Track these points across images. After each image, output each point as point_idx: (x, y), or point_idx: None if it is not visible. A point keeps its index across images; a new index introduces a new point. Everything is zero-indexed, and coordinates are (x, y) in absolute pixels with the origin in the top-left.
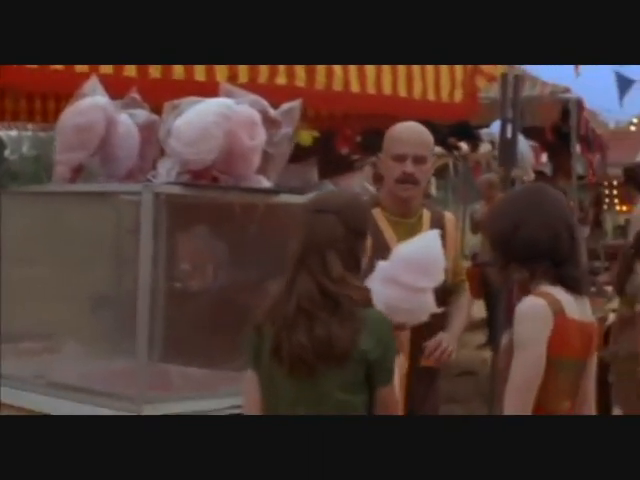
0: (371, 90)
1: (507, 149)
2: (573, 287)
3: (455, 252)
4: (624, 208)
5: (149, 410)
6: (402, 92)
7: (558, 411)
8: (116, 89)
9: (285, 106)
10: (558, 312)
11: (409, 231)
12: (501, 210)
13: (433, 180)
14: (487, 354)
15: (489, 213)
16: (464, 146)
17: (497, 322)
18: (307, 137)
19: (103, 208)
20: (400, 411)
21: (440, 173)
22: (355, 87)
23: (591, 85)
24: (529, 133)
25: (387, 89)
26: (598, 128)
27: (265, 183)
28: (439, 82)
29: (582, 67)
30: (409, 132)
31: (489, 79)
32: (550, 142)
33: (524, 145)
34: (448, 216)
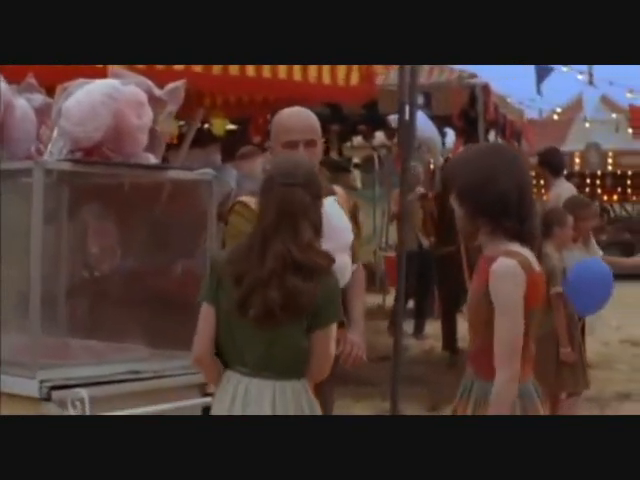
0: (267, 74)
1: (405, 132)
2: (530, 242)
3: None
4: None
5: (42, 375)
6: (297, 76)
7: (529, 356)
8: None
9: (170, 86)
10: (528, 269)
11: None
12: (470, 164)
13: (358, 174)
14: (409, 341)
15: (451, 167)
16: (380, 136)
17: (424, 310)
18: (220, 126)
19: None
20: (332, 356)
21: (365, 166)
22: (251, 72)
23: (515, 75)
24: (444, 121)
25: (282, 73)
26: (511, 114)
27: (153, 160)
28: (335, 66)
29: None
30: (296, 119)
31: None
32: (463, 129)
33: (431, 130)
34: (339, 191)
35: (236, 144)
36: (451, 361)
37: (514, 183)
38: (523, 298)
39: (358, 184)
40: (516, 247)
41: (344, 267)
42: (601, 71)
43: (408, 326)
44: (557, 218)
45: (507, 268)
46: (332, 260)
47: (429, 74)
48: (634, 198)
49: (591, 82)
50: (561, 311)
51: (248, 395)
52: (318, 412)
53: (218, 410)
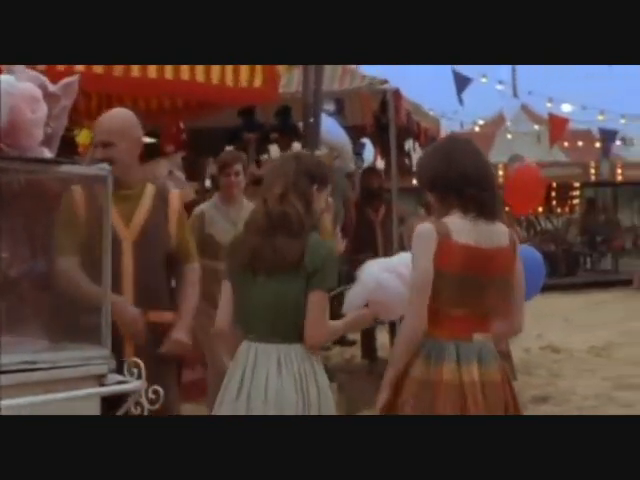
0: (169, 75)
1: (309, 134)
2: (485, 213)
3: (180, 228)
4: None
5: None
6: (200, 78)
7: (451, 315)
8: None
9: (63, 81)
10: (443, 234)
11: (128, 200)
12: (430, 157)
13: None
14: (332, 350)
15: (418, 168)
16: (297, 146)
17: None
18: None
19: None
20: (326, 318)
21: None
22: (153, 73)
23: (434, 87)
24: (360, 131)
25: (185, 75)
26: (425, 122)
27: (47, 154)
28: (238, 67)
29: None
30: (100, 120)
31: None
32: (378, 137)
33: (341, 136)
34: (173, 191)
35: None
36: (370, 369)
37: (470, 161)
38: (432, 257)
39: None
40: (452, 218)
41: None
42: (520, 80)
43: None
44: None
45: (420, 229)
46: (301, 216)
47: (340, 81)
48: (559, 210)
49: (515, 94)
50: None
51: (257, 359)
52: (323, 374)
53: (231, 378)
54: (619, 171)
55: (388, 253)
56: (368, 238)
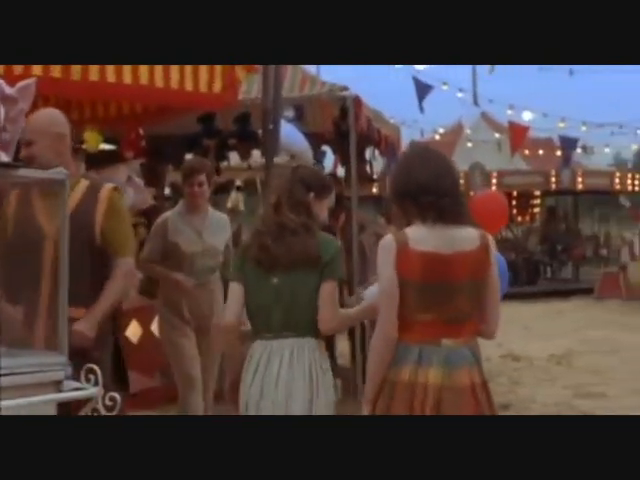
0: (127, 80)
1: (269, 141)
2: (445, 219)
3: (108, 220)
4: None
5: None
6: (159, 82)
7: (418, 321)
8: None
9: (20, 83)
10: (401, 243)
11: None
12: (396, 169)
13: (240, 196)
14: None
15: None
16: (257, 153)
17: None
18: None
19: None
20: (336, 306)
21: (248, 188)
22: (111, 77)
23: (398, 95)
24: (320, 138)
25: (144, 79)
26: (386, 129)
27: (4, 158)
28: (197, 72)
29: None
30: (27, 120)
31: (249, 70)
32: (338, 144)
33: (302, 142)
34: (107, 187)
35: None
36: None
37: (429, 169)
38: (394, 266)
39: (241, 206)
40: (412, 228)
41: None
42: (481, 88)
43: None
44: None
45: (382, 241)
46: (300, 220)
47: (300, 87)
48: (519, 219)
49: (476, 102)
50: None
51: (271, 353)
52: (328, 367)
53: (247, 377)
54: (580, 179)
55: (348, 261)
56: None
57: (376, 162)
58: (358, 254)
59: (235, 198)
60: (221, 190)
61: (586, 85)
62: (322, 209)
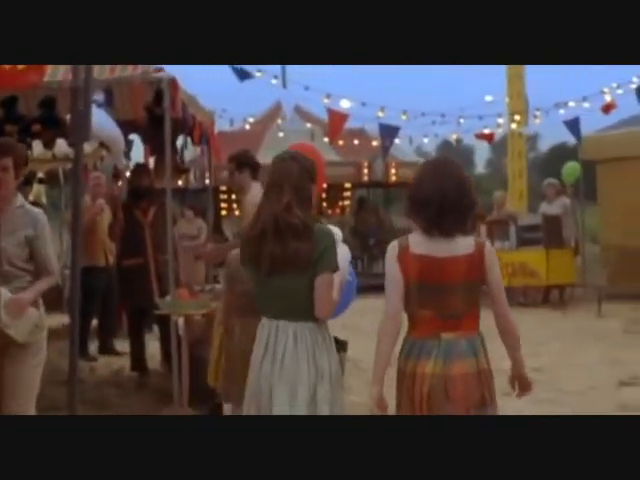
0: None
1: (78, 124)
2: (442, 232)
3: None
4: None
5: None
6: None
7: (420, 317)
8: None
9: None
10: (403, 247)
11: None
12: (415, 175)
13: (42, 189)
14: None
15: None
16: (62, 144)
17: (108, 329)
18: None
19: None
20: (331, 296)
21: (50, 181)
22: None
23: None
24: (130, 126)
25: None
26: (201, 116)
27: None
28: None
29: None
30: None
31: None
32: (149, 132)
33: (113, 128)
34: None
35: None
36: (141, 381)
37: (436, 186)
38: (398, 267)
39: (43, 199)
40: (415, 235)
41: None
42: (296, 75)
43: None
44: None
45: (390, 245)
46: (306, 221)
47: (111, 68)
48: (330, 212)
49: (284, 85)
50: None
51: (278, 334)
52: (332, 346)
53: (257, 352)
54: (393, 171)
55: (158, 256)
56: (136, 241)
57: (187, 152)
58: (172, 249)
59: (37, 191)
60: (22, 182)
61: (407, 74)
62: (314, 196)
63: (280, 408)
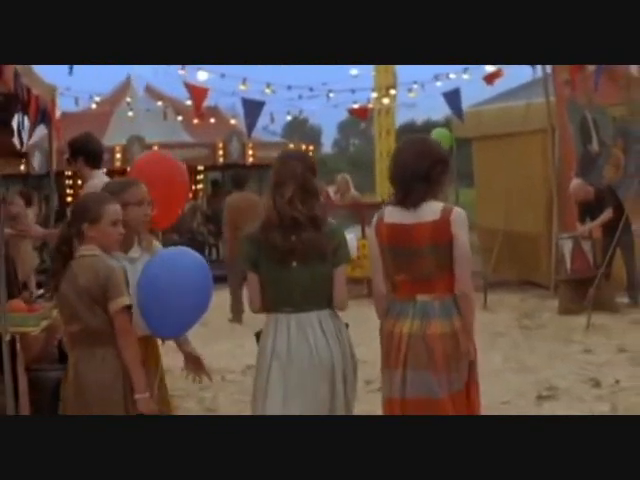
0: None
1: None
2: (407, 204)
3: None
4: None
5: None
6: None
7: (397, 280)
8: None
9: None
10: (379, 217)
11: None
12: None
13: None
14: None
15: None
16: None
17: None
18: None
19: None
20: (344, 294)
21: None
22: None
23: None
24: None
25: None
26: (37, 88)
27: None
28: None
29: None
30: None
31: None
32: None
33: None
34: None
35: None
36: None
37: (407, 164)
38: (377, 241)
39: None
40: (390, 207)
41: None
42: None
43: None
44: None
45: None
46: (313, 213)
47: None
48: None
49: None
50: None
51: (298, 325)
52: (345, 332)
53: (263, 344)
54: (250, 152)
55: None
56: None
57: (25, 131)
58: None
59: None
60: None
61: None
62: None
63: (323, 397)
